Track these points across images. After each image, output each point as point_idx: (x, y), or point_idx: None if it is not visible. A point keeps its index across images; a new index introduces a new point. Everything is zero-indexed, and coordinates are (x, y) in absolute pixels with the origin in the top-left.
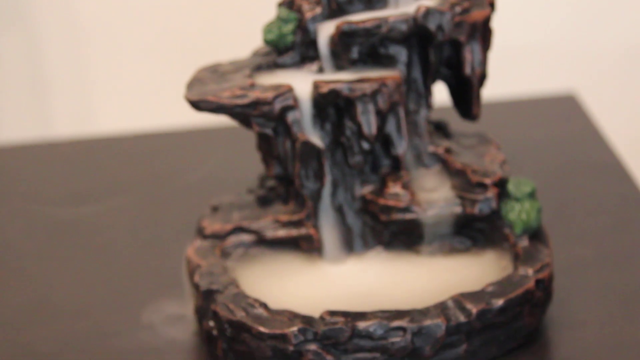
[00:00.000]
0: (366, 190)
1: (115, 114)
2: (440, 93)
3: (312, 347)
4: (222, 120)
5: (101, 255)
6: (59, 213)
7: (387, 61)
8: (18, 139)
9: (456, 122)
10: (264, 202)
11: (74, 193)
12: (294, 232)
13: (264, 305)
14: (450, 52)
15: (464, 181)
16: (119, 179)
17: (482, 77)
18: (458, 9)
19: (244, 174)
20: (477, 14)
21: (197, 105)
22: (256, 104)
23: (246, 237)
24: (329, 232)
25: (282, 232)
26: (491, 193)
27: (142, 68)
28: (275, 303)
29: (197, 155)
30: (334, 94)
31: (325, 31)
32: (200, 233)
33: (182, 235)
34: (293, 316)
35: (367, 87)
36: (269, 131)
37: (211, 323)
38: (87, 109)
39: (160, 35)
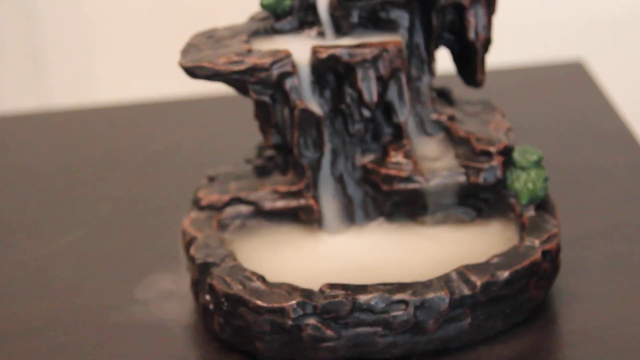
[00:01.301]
0: (367, 159)
1: (113, 83)
2: (444, 59)
3: (312, 321)
4: (219, 88)
5: (95, 227)
6: (53, 185)
7: (389, 26)
8: (14, 108)
9: (460, 89)
10: (262, 172)
11: (68, 164)
12: (292, 203)
13: (261, 278)
14: (453, 16)
15: (468, 149)
16: (115, 149)
17: (487, 43)
18: None
19: (241, 143)
20: None
21: (192, 72)
22: (253, 70)
23: (244, 209)
24: (328, 202)
25: (280, 203)
26: (496, 161)
27: (141, 36)
28: (273, 276)
29: (193, 125)
30: (334, 60)
31: None
32: (197, 204)
33: (179, 207)
34: (292, 289)
35: (368, 53)
36: (266, 98)
37: (207, 297)
38: (85, 78)
39: (158, 2)
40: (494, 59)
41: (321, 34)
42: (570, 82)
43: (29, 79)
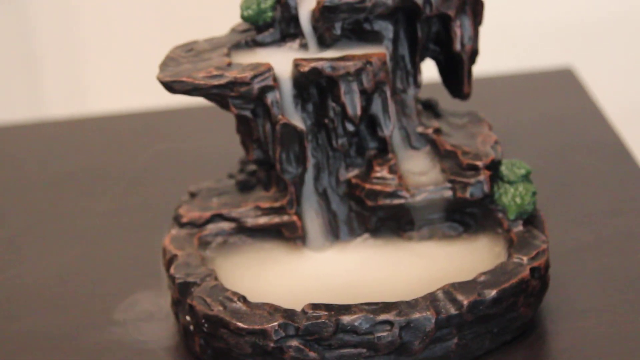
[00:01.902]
0: (351, 174)
1: (105, 93)
2: (429, 69)
3: (294, 343)
4: (202, 99)
5: (77, 244)
6: (37, 199)
7: (372, 37)
8: (4, 119)
9: (446, 100)
10: (244, 187)
11: (53, 177)
12: (275, 219)
13: (242, 299)
14: (438, 27)
15: (454, 163)
16: (99, 162)
17: (473, 54)
18: None
19: (224, 157)
20: None
21: (170, 86)
22: (233, 84)
23: (225, 225)
24: (312, 218)
25: (263, 220)
26: (483, 176)
27: (134, 46)
28: (255, 295)
29: (176, 137)
30: (316, 73)
31: (307, 6)
32: (177, 221)
33: (163, 222)
34: (273, 310)
35: (351, 66)
36: (247, 113)
37: (188, 318)
38: (77, 89)
39: (151, 14)
40: (481, 66)
41: (303, 46)
42: (560, 90)
43: (21, 89)
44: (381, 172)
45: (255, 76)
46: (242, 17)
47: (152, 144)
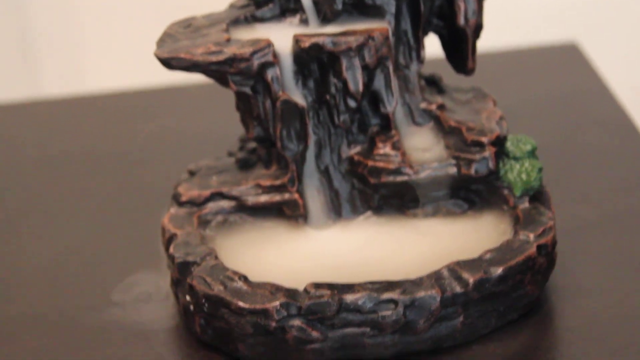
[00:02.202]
0: (354, 151)
1: (102, 72)
2: (433, 44)
3: (296, 322)
4: (202, 76)
5: (75, 224)
6: (34, 179)
7: (374, 12)
8: (2, 97)
9: (450, 76)
10: (244, 165)
11: (50, 157)
12: (276, 197)
13: (243, 278)
14: (442, 1)
15: (458, 140)
16: (98, 141)
17: (477, 28)
18: None
19: (223, 135)
20: None
21: (168, 63)
22: (233, 60)
23: (225, 204)
24: (314, 197)
25: (264, 198)
26: (488, 152)
27: (130, 24)
28: (256, 275)
29: (175, 115)
30: (317, 49)
31: None
32: (176, 200)
33: (162, 201)
34: (275, 289)
35: (353, 41)
36: (247, 90)
37: (188, 298)
38: (74, 68)
39: None
40: (485, 42)
41: (304, 22)
42: (565, 65)
43: (17, 68)
44: (384, 148)
45: (254, 52)
46: None
47: (150, 122)
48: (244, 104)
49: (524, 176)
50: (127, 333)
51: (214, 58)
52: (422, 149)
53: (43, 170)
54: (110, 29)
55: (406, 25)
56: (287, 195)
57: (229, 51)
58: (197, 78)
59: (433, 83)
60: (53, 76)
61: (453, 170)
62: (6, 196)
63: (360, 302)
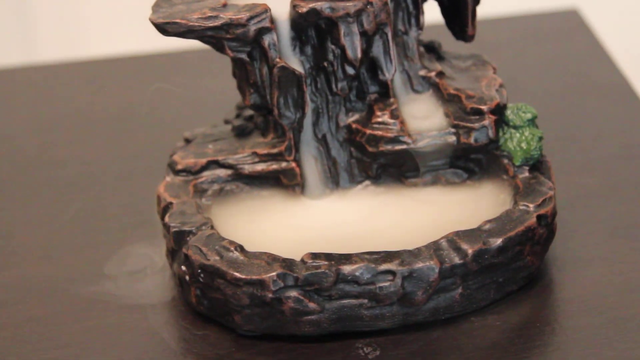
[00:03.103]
0: (352, 119)
1: (96, 37)
2: (432, 10)
3: (293, 293)
4: (197, 42)
5: (68, 192)
6: (25, 144)
7: None
8: None
9: (449, 42)
10: (241, 133)
11: (42, 123)
12: (273, 165)
13: (239, 248)
14: None
15: (458, 108)
16: (90, 107)
17: None
18: None
19: (219, 102)
20: None
21: (163, 28)
22: (229, 26)
23: (222, 172)
24: (311, 165)
25: (260, 166)
26: (488, 120)
27: None
28: (253, 245)
29: (170, 81)
30: (314, 14)
31: None
32: (172, 168)
33: (156, 169)
34: (272, 260)
35: (351, 6)
36: (244, 56)
37: (183, 268)
38: (69, 32)
39: None
40: (485, 8)
41: None
42: (566, 31)
43: (12, 32)
44: (382, 117)
45: (251, 17)
46: None
47: (145, 89)
48: (241, 71)
49: (524, 145)
50: (122, 303)
51: (210, 23)
52: (421, 117)
53: (36, 136)
54: None
55: None
56: (284, 164)
57: (225, 16)
58: (193, 44)
59: (432, 50)
60: (48, 42)
61: (452, 138)
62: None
63: (357, 273)
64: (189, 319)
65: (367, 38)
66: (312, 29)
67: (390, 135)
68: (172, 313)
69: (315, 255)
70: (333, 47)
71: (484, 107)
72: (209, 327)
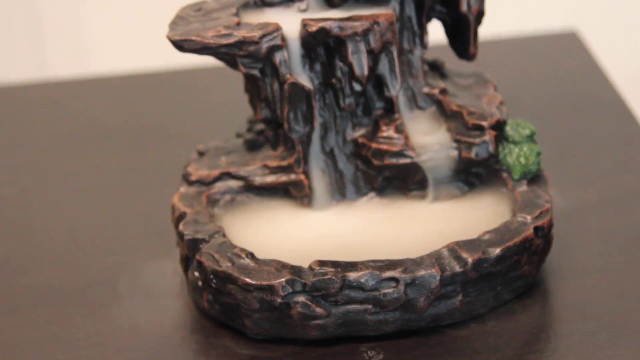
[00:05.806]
0: (358, 133)
1: (110, 54)
2: (436, 31)
3: (301, 298)
4: (211, 59)
5: (86, 201)
6: (44, 157)
7: None
8: (10, 79)
9: (452, 61)
10: (252, 146)
11: (60, 136)
12: (283, 177)
13: (250, 255)
14: None
15: (460, 124)
16: (107, 121)
17: (480, 15)
18: None
19: (232, 116)
20: None
21: (180, 45)
22: (242, 43)
23: (233, 183)
24: (319, 177)
25: (270, 178)
26: (488, 136)
27: (138, 7)
28: (263, 252)
29: (184, 97)
30: (324, 33)
31: None
32: (186, 179)
33: (171, 180)
34: (281, 266)
35: (359, 26)
36: (256, 72)
37: (196, 274)
38: (82, 50)
39: None
40: (487, 29)
41: (311, 7)
42: (564, 52)
43: (26, 49)
44: (387, 131)
45: (263, 35)
46: None
47: (161, 103)
48: (253, 86)
49: (522, 160)
50: (136, 307)
51: (224, 41)
52: (424, 132)
53: (54, 149)
54: (122, 11)
55: (410, 11)
56: (293, 176)
57: (239, 34)
58: (207, 60)
59: (436, 68)
60: (64, 58)
61: (454, 153)
62: (19, 172)
63: (362, 280)
64: (202, 322)
65: (373, 56)
66: (321, 47)
67: (395, 149)
68: (185, 317)
69: (322, 263)
70: (341, 64)
71: (484, 123)
72: (220, 331)
